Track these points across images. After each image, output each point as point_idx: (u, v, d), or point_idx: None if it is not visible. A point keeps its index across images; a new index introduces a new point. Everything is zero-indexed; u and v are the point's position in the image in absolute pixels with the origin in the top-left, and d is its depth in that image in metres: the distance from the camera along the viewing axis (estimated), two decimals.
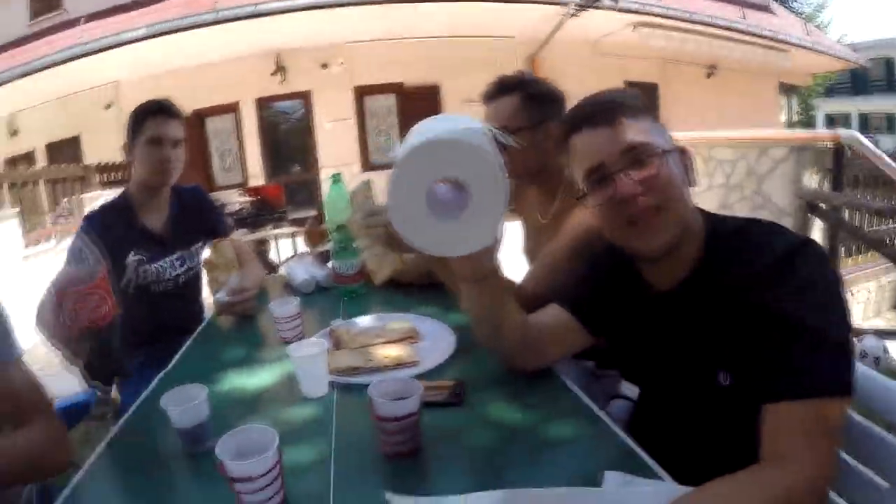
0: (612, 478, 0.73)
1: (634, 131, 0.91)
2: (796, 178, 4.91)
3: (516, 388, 1.07)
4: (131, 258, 1.78)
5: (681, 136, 1.02)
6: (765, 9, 12.75)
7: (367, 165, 9.56)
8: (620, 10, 8.33)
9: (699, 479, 0.72)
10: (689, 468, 0.78)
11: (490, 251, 1.02)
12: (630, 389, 1.64)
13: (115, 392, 1.66)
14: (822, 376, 0.75)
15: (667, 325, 0.97)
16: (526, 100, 1.54)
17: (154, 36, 7.95)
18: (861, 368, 0.87)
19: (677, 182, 0.90)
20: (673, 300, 0.96)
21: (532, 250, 1.71)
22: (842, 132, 4.93)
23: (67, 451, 0.96)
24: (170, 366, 1.36)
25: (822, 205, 4.82)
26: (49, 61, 8.24)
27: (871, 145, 4.66)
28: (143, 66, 8.81)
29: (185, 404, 0.90)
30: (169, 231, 1.89)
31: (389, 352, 1.23)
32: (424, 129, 0.92)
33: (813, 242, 0.86)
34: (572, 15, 8.49)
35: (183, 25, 7.90)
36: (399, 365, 1.17)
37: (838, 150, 4.82)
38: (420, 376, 1.10)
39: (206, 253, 1.97)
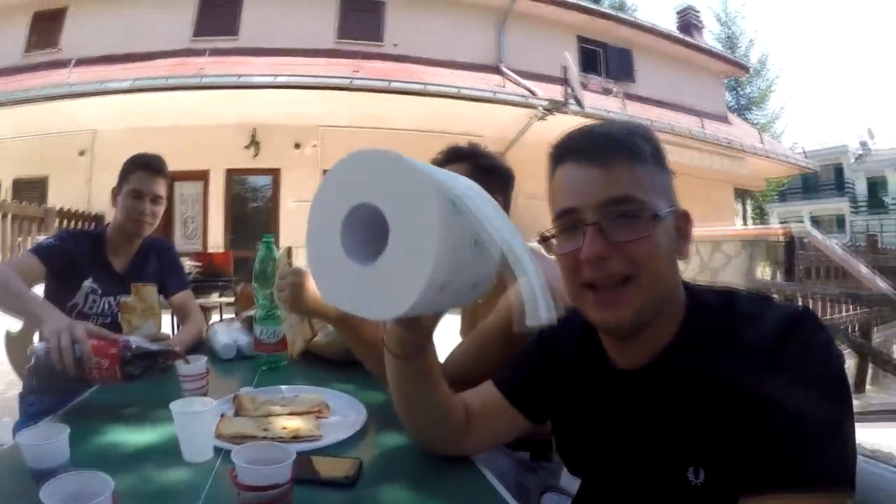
0: None
1: (629, 180, 0.75)
2: (749, 271, 5.03)
3: (423, 474, 0.98)
4: (87, 284, 1.87)
5: None
6: (722, 119, 13.76)
7: None
8: (586, 115, 8.81)
9: None
10: None
11: (423, 326, 0.89)
12: (571, 483, 1.50)
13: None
14: (818, 466, 0.63)
15: (628, 409, 0.81)
16: (474, 171, 1.47)
17: (137, 91, 8.07)
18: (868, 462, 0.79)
19: (661, 253, 0.75)
20: (638, 381, 0.80)
21: (467, 333, 1.62)
22: (794, 226, 5.12)
23: None
24: (61, 410, 1.28)
25: (776, 295, 4.93)
26: (32, 95, 8.22)
27: (822, 237, 4.82)
28: (122, 119, 8.87)
29: (40, 442, 0.85)
30: (128, 272, 1.97)
31: (290, 423, 1.15)
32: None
33: (809, 313, 0.73)
34: (540, 118, 8.94)
35: (167, 85, 8.09)
36: (297, 438, 1.07)
37: (790, 244, 5.01)
38: (318, 452, 1.04)
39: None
